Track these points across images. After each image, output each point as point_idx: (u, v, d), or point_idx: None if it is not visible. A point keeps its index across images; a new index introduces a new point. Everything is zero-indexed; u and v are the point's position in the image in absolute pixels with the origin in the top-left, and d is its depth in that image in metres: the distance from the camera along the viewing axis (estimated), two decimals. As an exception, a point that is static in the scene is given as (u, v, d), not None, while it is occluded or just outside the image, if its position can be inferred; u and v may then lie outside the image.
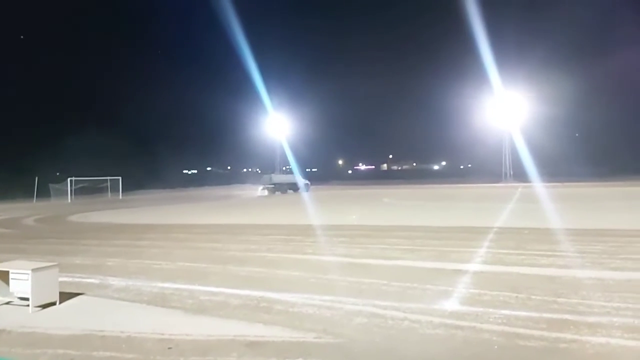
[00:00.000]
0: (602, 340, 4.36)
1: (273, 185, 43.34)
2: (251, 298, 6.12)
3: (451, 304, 5.62)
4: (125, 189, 44.23)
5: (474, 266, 7.80)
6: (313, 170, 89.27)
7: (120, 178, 43.42)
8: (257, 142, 68.61)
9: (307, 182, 46.15)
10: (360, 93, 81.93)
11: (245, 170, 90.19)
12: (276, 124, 64.71)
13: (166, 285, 6.99)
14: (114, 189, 43.16)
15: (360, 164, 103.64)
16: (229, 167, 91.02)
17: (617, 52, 59.82)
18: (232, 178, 72.16)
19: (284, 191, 43.53)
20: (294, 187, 44.61)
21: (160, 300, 6.16)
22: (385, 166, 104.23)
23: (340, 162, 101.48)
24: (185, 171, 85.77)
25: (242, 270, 8.01)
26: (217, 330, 4.94)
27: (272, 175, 47.23)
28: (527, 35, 59.43)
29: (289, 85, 66.67)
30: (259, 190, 44.59)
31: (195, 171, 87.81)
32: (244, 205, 28.85)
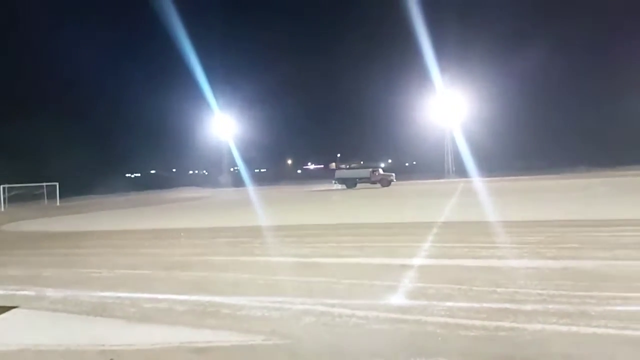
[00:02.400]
0: (539, 327, 4.56)
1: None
2: (197, 303, 5.99)
3: (397, 299, 5.72)
4: (63, 195, 42.22)
5: (419, 260, 7.99)
6: (262, 170, 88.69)
7: (57, 184, 41.41)
8: (203, 143, 67.41)
9: (390, 174, 44.63)
10: (308, 93, 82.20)
11: (191, 172, 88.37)
12: (222, 124, 63.81)
13: (107, 294, 6.71)
14: (51, 196, 41.10)
15: (309, 164, 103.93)
16: (174, 170, 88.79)
17: (550, 51, 63.08)
18: (178, 181, 70.39)
19: (351, 185, 42.88)
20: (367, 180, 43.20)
21: (101, 310, 5.91)
22: (333, 165, 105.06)
23: (289, 161, 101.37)
24: (127, 175, 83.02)
25: (188, 275, 7.82)
26: (162, 338, 4.79)
27: (339, 170, 46.95)
28: (466, 34, 61.59)
29: (235, 86, 65.99)
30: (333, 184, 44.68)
31: (139, 174, 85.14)
32: (190, 208, 28.23)
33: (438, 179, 57.13)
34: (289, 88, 79.56)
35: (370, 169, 44.18)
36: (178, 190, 56.36)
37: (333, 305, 5.51)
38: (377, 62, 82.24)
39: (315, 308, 5.46)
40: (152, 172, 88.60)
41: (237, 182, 61.17)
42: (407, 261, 7.91)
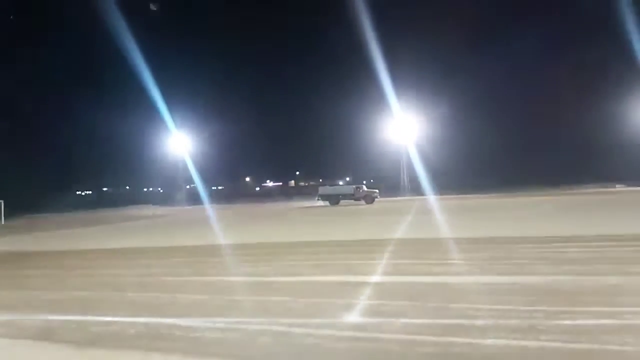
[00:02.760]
0: (490, 342, 4.68)
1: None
2: (150, 326, 5.80)
3: (354, 317, 5.75)
4: (9, 214, 40.20)
5: (375, 278, 8.06)
6: (219, 188, 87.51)
7: (2, 202, 39.45)
8: (158, 160, 65.99)
9: (374, 191, 44.23)
10: (266, 110, 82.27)
11: (146, 189, 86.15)
12: (178, 141, 62.77)
13: (54, 317, 6.41)
14: (-5, 215, 39.08)
15: (268, 181, 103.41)
16: (127, 187, 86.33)
17: (504, 70, 65.76)
18: (132, 198, 68.44)
19: (335, 202, 42.46)
20: (349, 197, 42.88)
21: (47, 335, 5.63)
22: (293, 182, 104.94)
23: (247, 179, 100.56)
24: (78, 192, 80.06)
25: (140, 296, 7.58)
26: (111, 363, 4.61)
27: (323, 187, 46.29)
28: (420, 53, 63.42)
29: (192, 102, 65.01)
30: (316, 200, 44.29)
31: (90, 192, 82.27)
32: (143, 227, 27.47)
33: (394, 196, 58.08)
34: (248, 105, 79.32)
35: (354, 186, 44.44)
36: (132, 208, 54.72)
37: (290, 325, 5.47)
38: (334, 81, 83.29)
39: (272, 328, 5.40)
40: (105, 189, 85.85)
41: (194, 200, 60.09)
42: (364, 279, 7.97)
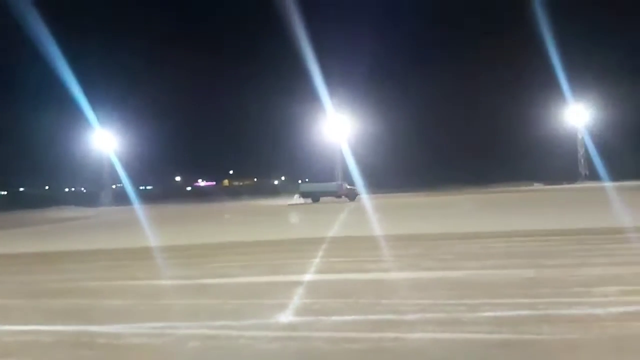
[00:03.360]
0: (418, 335, 4.82)
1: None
2: (69, 334, 5.45)
3: (285, 316, 5.71)
4: None
5: (308, 276, 8.08)
6: (148, 187, 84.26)
7: None
8: (80, 158, 62.44)
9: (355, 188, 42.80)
10: (197, 107, 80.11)
11: (67, 189, 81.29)
12: (103, 139, 59.78)
13: (-42, 330, 5.86)
14: None
15: (200, 181, 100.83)
16: (47, 187, 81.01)
17: (440, 70, 68.28)
18: (52, 199, 64.20)
19: (316, 199, 41.14)
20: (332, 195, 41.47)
21: (-51, 349, 5.14)
22: (226, 182, 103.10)
23: (178, 178, 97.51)
24: (-10, 193, 74.27)
25: (59, 303, 7.11)
26: (24, 376, 4.28)
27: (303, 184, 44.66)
28: (351, 56, 64.47)
29: (117, 98, 61.94)
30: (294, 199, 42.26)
31: (4, 192, 76.44)
32: (65, 229, 25.91)
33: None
34: (178, 103, 76.89)
35: (338, 183, 43.84)
36: (52, 209, 51.29)
37: (220, 328, 5.34)
38: (267, 79, 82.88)
39: (201, 332, 5.25)
40: (21, 189, 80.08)
41: (121, 200, 57.52)
42: (295, 277, 7.95)
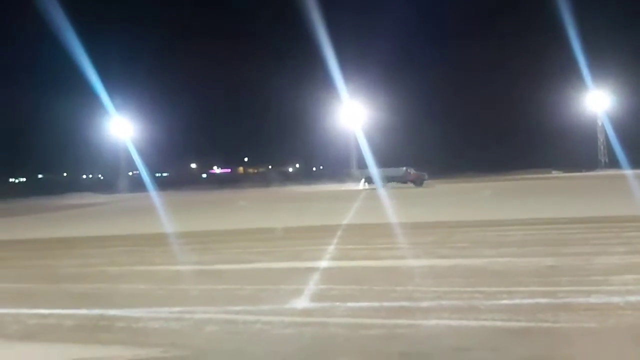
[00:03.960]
0: (433, 322, 4.81)
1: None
2: (89, 317, 5.56)
3: (302, 302, 5.75)
4: None
5: (324, 263, 8.11)
6: (164, 175, 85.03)
7: None
8: (98, 145, 63.13)
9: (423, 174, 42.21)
10: (212, 95, 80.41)
11: (85, 176, 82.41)
12: (119, 125, 60.30)
13: (-17, 312, 6.02)
14: None
15: (215, 167, 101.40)
16: (65, 174, 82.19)
17: (446, 60, 67.45)
18: (70, 186, 65.15)
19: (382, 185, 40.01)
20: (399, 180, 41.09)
21: (-24, 331, 5.28)
22: (241, 169, 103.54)
23: (193, 165, 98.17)
24: (12, 180, 75.51)
25: (79, 287, 7.25)
26: (47, 357, 4.40)
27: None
28: (368, 43, 63.93)
29: (133, 85, 62.23)
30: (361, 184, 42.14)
31: (24, 179, 77.77)
32: (83, 216, 26.33)
33: (343, 182, 58.66)
34: (193, 89, 77.23)
35: (404, 168, 42.84)
36: (70, 196, 52.08)
37: (237, 313, 5.40)
38: (284, 66, 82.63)
39: (218, 316, 5.31)
40: (40, 176, 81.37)
41: (137, 187, 58.19)
42: (312, 264, 7.99)
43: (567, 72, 52.81)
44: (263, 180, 65.79)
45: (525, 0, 61.94)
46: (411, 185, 41.17)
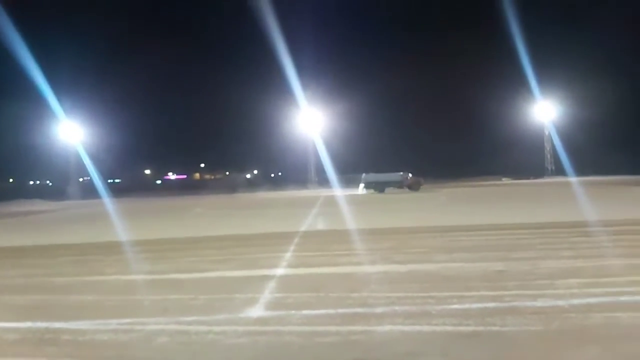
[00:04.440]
0: (387, 328, 4.88)
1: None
2: (33, 330, 5.31)
3: (256, 311, 5.70)
4: None
5: (280, 271, 8.08)
6: (116, 181, 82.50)
7: None
8: (46, 150, 60.60)
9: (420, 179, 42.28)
10: (167, 99, 78.69)
11: (32, 182, 78.92)
12: (70, 130, 58.17)
13: None
14: None
15: (170, 174, 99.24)
16: (11, 180, 78.46)
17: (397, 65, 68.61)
18: (16, 192, 62.13)
19: (380, 190, 40.96)
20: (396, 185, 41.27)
21: None
22: (197, 175, 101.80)
23: (147, 171, 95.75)
24: (-50, 186, 71.30)
25: (23, 299, 6.92)
26: (-16, 375, 4.16)
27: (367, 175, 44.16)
28: (326, 49, 64.36)
29: (83, 88, 60.15)
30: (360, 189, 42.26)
31: (-35, 186, 73.63)
32: (29, 223, 25.16)
33: (302, 189, 58.69)
34: (147, 93, 75.24)
35: (401, 173, 42.93)
36: (17, 203, 49.63)
37: (189, 323, 5.29)
38: (241, 71, 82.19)
39: (170, 327, 5.19)
40: (-18, 183, 77.26)
41: (88, 193, 56.18)
42: (268, 272, 7.94)
43: (517, 83, 55.03)
44: (221, 187, 64.96)
45: (474, 14, 63.97)
46: (407, 190, 41.66)
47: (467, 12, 66.83)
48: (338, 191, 40.31)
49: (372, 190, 42.50)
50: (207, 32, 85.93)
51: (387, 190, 41.89)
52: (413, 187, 41.95)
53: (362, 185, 44.30)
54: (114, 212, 27.46)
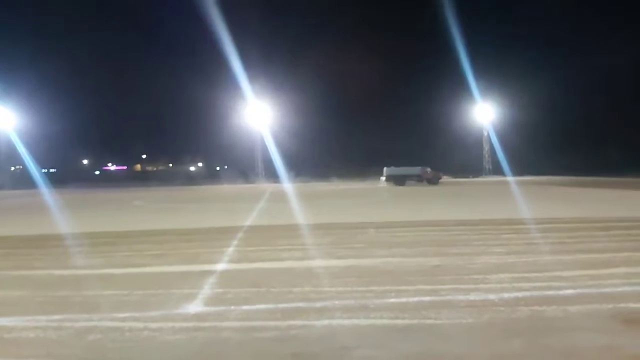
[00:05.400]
0: (326, 322, 4.93)
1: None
2: (-49, 329, 4.97)
3: (194, 307, 5.60)
4: None
5: (221, 266, 7.97)
6: (51, 170, 78.37)
7: None
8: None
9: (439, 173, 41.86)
10: (108, 86, 75.45)
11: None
12: (0, 115, 54.76)
13: None
14: None
15: (110, 164, 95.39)
16: None
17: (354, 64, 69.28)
18: None
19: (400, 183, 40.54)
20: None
21: None
22: (139, 167, 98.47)
23: (85, 161, 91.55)
24: None
25: (-60, 296, 6.45)
26: None
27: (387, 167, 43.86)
28: (273, 45, 63.97)
29: (16, 71, 56.69)
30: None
31: None
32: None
33: (248, 183, 58.14)
34: (87, 81, 71.91)
35: (421, 167, 42.92)
36: None
37: (123, 320, 5.12)
38: (186, 63, 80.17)
39: (102, 324, 5.00)
40: None
41: (20, 183, 53.12)
42: (208, 267, 7.82)
43: (459, 87, 57.03)
44: (163, 179, 63.23)
45: (421, 22, 65.60)
46: (426, 184, 42.48)
47: (412, 16, 68.32)
48: (285, 185, 40.32)
49: (391, 183, 43.49)
50: (151, 20, 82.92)
51: (408, 183, 42.90)
52: (432, 180, 42.91)
53: (382, 178, 45.39)
54: (47, 203, 26.10)
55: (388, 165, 45.69)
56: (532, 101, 56.09)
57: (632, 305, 5.31)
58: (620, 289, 5.99)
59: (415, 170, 44.53)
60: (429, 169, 44.60)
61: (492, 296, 5.77)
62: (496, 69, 57.10)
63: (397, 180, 43.96)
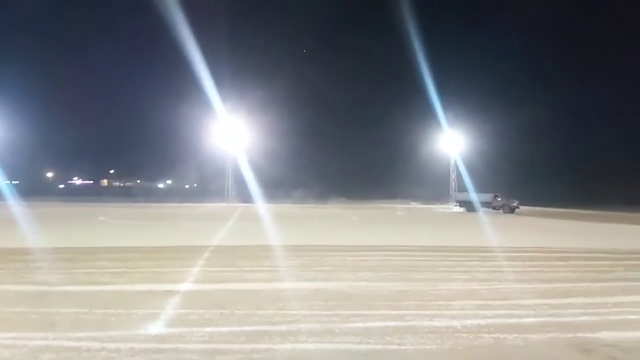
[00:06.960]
0: (290, 346, 4.89)
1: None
2: None
3: (156, 327, 5.47)
4: None
5: (185, 286, 7.82)
6: (14, 182, 75.60)
7: None
8: None
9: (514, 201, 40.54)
10: (76, 98, 73.65)
11: None
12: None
13: None
14: None
15: (75, 178, 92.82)
16: None
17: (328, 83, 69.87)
18: None
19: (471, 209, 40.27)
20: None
21: None
22: (105, 182, 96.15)
23: (49, 174, 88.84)
24: None
25: None
26: None
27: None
28: (244, 58, 64.03)
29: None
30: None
31: None
32: None
33: (218, 202, 57.40)
34: (52, 92, 69.95)
35: (492, 194, 41.81)
36: None
37: (80, 339, 4.95)
38: (156, 81, 79.31)
39: (58, 343, 4.82)
40: None
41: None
42: (172, 287, 7.65)
43: (426, 115, 58.33)
44: (130, 195, 61.90)
45: (395, 53, 67.02)
46: (500, 211, 41.01)
47: (380, 42, 69.44)
48: (257, 205, 40.00)
49: (464, 209, 43.55)
50: (121, 36, 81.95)
51: (481, 209, 41.22)
52: (504, 208, 41.08)
53: (456, 202, 46.33)
54: (7, 216, 25.12)
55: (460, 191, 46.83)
56: (501, 130, 57.85)
57: (589, 335, 5.46)
58: (578, 319, 6.15)
59: (487, 197, 43.04)
60: (500, 197, 42.55)
61: (455, 323, 5.85)
62: (464, 99, 58.71)
63: (468, 205, 43.05)
